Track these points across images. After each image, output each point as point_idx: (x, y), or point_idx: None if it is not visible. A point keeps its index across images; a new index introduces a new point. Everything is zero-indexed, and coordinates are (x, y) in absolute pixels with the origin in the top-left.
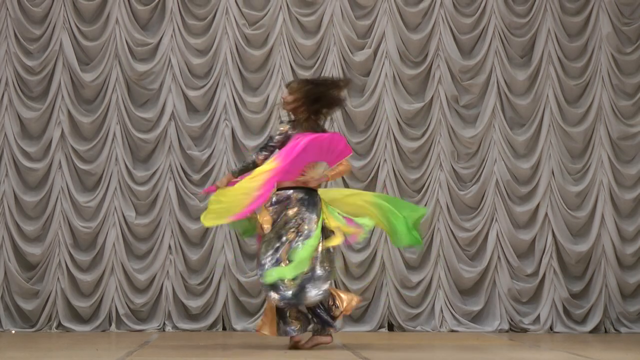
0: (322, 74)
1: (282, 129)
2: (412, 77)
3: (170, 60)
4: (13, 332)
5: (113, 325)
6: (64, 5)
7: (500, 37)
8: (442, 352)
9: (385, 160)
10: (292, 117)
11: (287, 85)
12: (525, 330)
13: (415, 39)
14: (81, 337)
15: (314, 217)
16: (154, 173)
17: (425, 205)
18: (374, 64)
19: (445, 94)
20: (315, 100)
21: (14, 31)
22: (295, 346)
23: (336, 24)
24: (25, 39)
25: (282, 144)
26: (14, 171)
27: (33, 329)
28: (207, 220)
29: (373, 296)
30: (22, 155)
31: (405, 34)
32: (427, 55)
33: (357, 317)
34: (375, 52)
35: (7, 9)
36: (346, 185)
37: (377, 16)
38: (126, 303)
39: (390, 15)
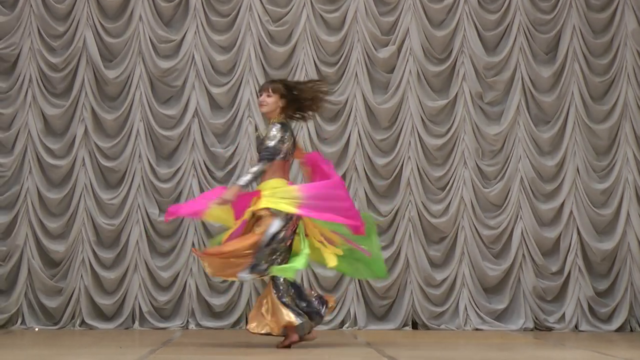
0: (346, 71)
1: (281, 134)
2: (436, 74)
3: (193, 57)
4: (36, 329)
5: (136, 322)
6: (88, 2)
7: (525, 34)
8: (466, 350)
9: (409, 157)
10: (281, 119)
11: (265, 88)
12: (550, 329)
13: (440, 36)
14: (104, 335)
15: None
16: (177, 170)
17: (450, 203)
18: (397, 60)
19: (470, 90)
20: (299, 101)
21: (38, 28)
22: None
23: (360, 20)
24: (48, 36)
25: (287, 150)
26: (37, 168)
27: (56, 327)
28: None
29: (397, 294)
30: (46, 152)
31: (429, 30)
32: (451, 51)
33: (381, 315)
34: (399, 49)
35: (31, 5)
36: (369, 183)
37: (401, 12)
38: (149, 300)
39: (414, 11)
